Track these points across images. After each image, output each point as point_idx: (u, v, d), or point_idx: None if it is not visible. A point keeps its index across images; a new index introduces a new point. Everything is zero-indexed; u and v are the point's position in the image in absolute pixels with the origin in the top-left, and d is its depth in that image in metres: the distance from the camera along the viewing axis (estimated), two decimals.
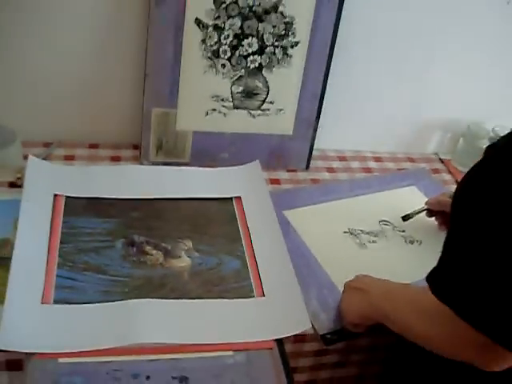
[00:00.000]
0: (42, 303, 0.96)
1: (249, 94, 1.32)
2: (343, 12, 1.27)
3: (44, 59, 1.26)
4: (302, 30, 1.28)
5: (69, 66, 1.28)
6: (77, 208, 1.14)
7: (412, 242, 1.24)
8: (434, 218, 1.26)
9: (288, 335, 0.98)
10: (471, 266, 0.71)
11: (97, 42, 1.26)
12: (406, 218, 1.28)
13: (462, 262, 0.73)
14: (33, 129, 1.30)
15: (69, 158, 1.31)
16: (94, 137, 1.37)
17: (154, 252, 1.09)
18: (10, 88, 1.28)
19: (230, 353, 0.95)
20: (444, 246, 0.77)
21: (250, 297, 1.04)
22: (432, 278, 0.77)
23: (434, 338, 0.79)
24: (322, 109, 1.37)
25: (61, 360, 0.89)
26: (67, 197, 1.15)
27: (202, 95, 1.30)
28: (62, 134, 1.34)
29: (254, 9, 1.23)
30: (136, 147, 1.37)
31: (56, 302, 0.97)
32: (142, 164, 1.33)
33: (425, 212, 1.27)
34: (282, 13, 1.25)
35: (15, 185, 1.20)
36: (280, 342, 0.97)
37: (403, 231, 1.26)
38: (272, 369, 0.94)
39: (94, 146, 1.37)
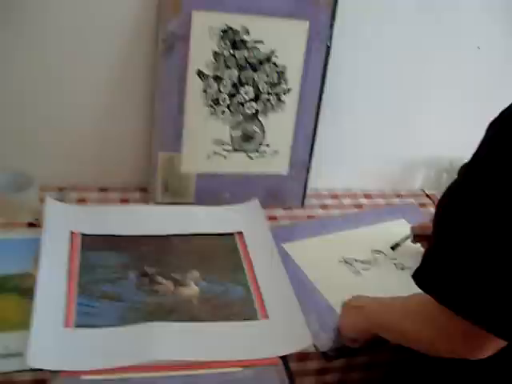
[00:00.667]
0: (65, 327, 1.04)
1: (247, 137, 1.42)
2: (330, 61, 1.39)
3: (58, 111, 1.37)
4: (294, 79, 1.39)
5: (81, 116, 1.39)
6: (92, 244, 1.23)
7: (403, 269, 1.33)
8: (419, 245, 1.35)
9: (292, 352, 1.06)
10: (451, 258, 0.78)
11: (107, 93, 1.37)
12: (394, 246, 1.38)
13: (443, 256, 0.80)
14: (48, 174, 1.39)
15: (81, 201, 1.40)
16: (104, 181, 1.47)
17: (165, 282, 1.18)
18: (28, 138, 1.38)
19: (239, 369, 1.02)
20: (427, 248, 0.86)
21: (255, 319, 1.13)
22: (416, 274, 0.85)
23: (424, 336, 0.86)
24: (314, 151, 1.48)
25: (83, 377, 0.96)
26: (83, 234, 1.25)
27: (205, 140, 1.40)
28: (74, 179, 1.44)
29: (249, 60, 1.35)
30: (143, 190, 1.46)
31: (77, 326, 1.05)
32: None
33: (411, 240, 1.36)
34: (274, 63, 1.37)
35: (33, 225, 1.29)
36: (285, 358, 1.05)
37: (395, 259, 1.36)
38: (278, 382, 1.01)
39: (103, 190, 1.46)
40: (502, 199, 0.73)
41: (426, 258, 0.84)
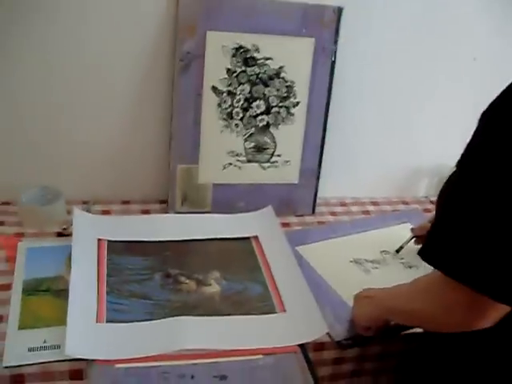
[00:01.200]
0: (97, 322, 1.12)
1: (259, 148, 1.51)
2: (335, 74, 1.49)
3: (82, 130, 1.46)
4: (302, 92, 1.49)
5: (103, 133, 1.48)
6: (118, 249, 1.32)
7: (410, 267, 1.40)
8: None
9: (310, 340, 1.14)
10: (454, 233, 0.84)
11: (128, 110, 1.46)
12: (399, 249, 1.46)
13: (447, 232, 0.87)
14: (73, 188, 1.48)
15: (105, 213, 1.48)
16: (126, 194, 1.56)
17: (188, 281, 1.26)
18: (55, 155, 1.47)
19: (260, 356, 1.10)
20: (431, 226, 0.94)
21: (274, 313, 1.21)
22: (423, 250, 0.92)
23: (430, 311, 0.93)
24: (323, 161, 1.57)
25: (117, 365, 1.04)
26: (109, 240, 1.33)
27: (220, 151, 1.49)
28: (97, 193, 1.53)
29: (260, 76, 1.44)
30: (162, 202, 1.55)
31: (108, 321, 1.13)
32: None
33: (413, 241, 1.44)
34: (283, 78, 1.46)
35: (62, 234, 1.39)
36: (303, 347, 1.12)
37: (402, 258, 1.44)
38: (298, 367, 1.08)
39: (125, 203, 1.55)
40: (499, 178, 0.80)
41: (430, 236, 0.91)
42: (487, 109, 0.85)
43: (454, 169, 0.90)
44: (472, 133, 0.87)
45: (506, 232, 0.80)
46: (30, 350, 1.05)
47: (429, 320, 0.97)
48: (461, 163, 0.88)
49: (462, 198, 0.85)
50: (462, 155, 0.88)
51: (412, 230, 1.44)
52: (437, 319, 0.93)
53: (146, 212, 1.52)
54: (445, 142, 1.66)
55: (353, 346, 1.18)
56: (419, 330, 1.15)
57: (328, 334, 1.17)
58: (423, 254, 0.90)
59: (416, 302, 0.97)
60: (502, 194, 0.80)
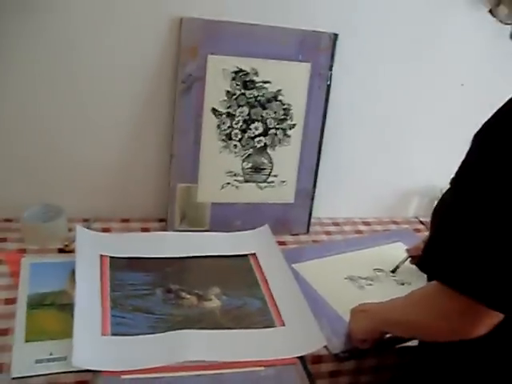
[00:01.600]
0: (102, 335, 1.15)
1: (256, 169, 1.56)
2: (331, 98, 1.54)
3: (83, 149, 1.50)
4: (298, 115, 1.54)
5: (104, 153, 1.52)
6: (120, 265, 1.35)
7: (403, 284, 1.45)
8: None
9: (309, 352, 1.17)
10: (450, 245, 0.89)
11: (129, 131, 1.51)
12: (394, 269, 1.51)
13: (443, 244, 0.91)
14: (74, 206, 1.51)
15: (105, 230, 1.51)
16: (126, 212, 1.59)
17: (189, 296, 1.29)
18: (57, 174, 1.51)
19: (261, 368, 1.13)
20: (428, 239, 0.98)
21: (273, 327, 1.24)
22: (420, 262, 0.96)
23: (425, 321, 0.97)
24: (317, 182, 1.62)
25: (123, 376, 1.06)
26: (111, 257, 1.37)
27: (218, 171, 1.53)
28: (98, 211, 1.56)
29: (258, 98, 1.50)
30: (161, 220, 1.59)
31: (113, 334, 1.16)
32: None
33: (409, 260, 1.49)
34: (281, 101, 1.51)
35: (63, 250, 1.42)
36: (303, 359, 1.16)
37: (394, 276, 1.48)
38: (298, 379, 1.11)
39: (125, 221, 1.59)
40: (492, 193, 0.85)
41: (427, 248, 0.96)
42: (480, 129, 0.90)
43: (446, 188, 0.96)
44: (466, 152, 0.92)
45: (499, 243, 0.84)
46: (38, 361, 1.08)
47: (425, 329, 1.00)
48: (456, 180, 0.93)
49: (457, 213, 0.89)
50: (457, 173, 0.93)
51: (407, 250, 1.49)
52: (433, 328, 0.97)
53: (146, 230, 1.56)
54: (434, 164, 1.72)
55: (349, 359, 1.22)
56: (413, 343, 1.20)
57: (325, 347, 1.20)
58: (421, 266, 0.95)
59: (412, 312, 1.01)
60: (495, 208, 0.85)
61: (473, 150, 0.90)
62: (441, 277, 0.91)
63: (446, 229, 0.92)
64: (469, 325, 0.90)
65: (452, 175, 0.95)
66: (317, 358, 1.19)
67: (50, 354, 1.10)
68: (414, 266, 1.48)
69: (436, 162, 1.71)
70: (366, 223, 1.77)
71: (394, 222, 1.81)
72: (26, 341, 1.12)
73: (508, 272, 0.84)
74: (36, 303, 1.22)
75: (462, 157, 0.92)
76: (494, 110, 0.89)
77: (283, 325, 1.25)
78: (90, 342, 1.12)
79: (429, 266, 0.95)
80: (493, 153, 0.86)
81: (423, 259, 0.96)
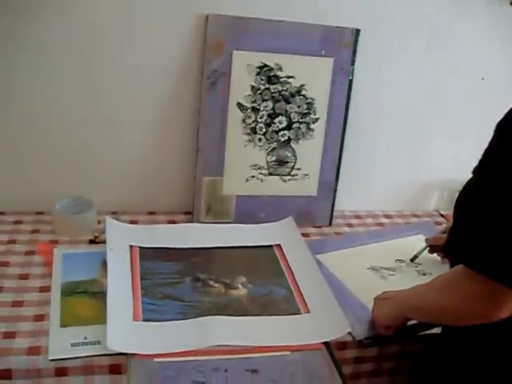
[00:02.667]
0: (134, 320, 1.19)
1: (280, 162, 1.59)
2: (353, 92, 1.57)
3: (112, 144, 1.55)
4: (321, 109, 1.57)
5: (133, 148, 1.57)
6: (149, 255, 1.39)
7: (424, 274, 1.47)
8: (435, 254, 1.51)
9: (334, 337, 1.21)
10: (475, 229, 0.92)
11: (157, 127, 1.55)
12: (413, 258, 1.53)
13: (468, 229, 0.94)
14: (103, 200, 1.55)
15: (133, 223, 1.55)
16: (152, 205, 1.64)
17: (217, 285, 1.33)
18: (86, 168, 1.56)
19: (288, 352, 1.17)
20: (453, 224, 1.01)
21: (299, 314, 1.28)
22: (446, 246, 1.00)
23: (448, 304, 0.99)
24: (340, 176, 1.65)
25: (155, 359, 1.10)
26: (140, 247, 1.41)
27: (243, 165, 1.57)
28: (126, 204, 1.60)
29: (282, 93, 1.53)
30: (187, 213, 1.63)
31: (144, 320, 1.20)
32: None
33: (427, 250, 1.52)
34: (304, 95, 1.55)
35: (94, 241, 1.46)
36: (327, 344, 1.20)
37: (416, 266, 1.51)
38: (324, 363, 1.14)
39: (152, 213, 1.63)
40: None
41: (452, 233, 0.99)
42: (504, 117, 0.92)
43: (467, 181, 0.99)
44: (489, 141, 0.94)
45: None
46: (73, 345, 1.12)
47: (448, 313, 1.02)
48: (479, 166, 0.96)
49: (482, 198, 0.92)
50: (480, 160, 0.96)
51: (426, 240, 1.52)
52: (456, 311, 0.99)
53: (172, 222, 1.59)
54: (454, 157, 1.74)
55: (373, 345, 1.25)
56: (436, 330, 1.22)
57: (350, 333, 1.23)
58: (447, 249, 0.98)
59: (435, 297, 1.04)
60: None
61: (496, 138, 0.93)
62: (465, 260, 0.94)
63: (470, 213, 0.94)
64: (492, 307, 0.92)
65: (474, 165, 0.98)
66: (341, 345, 1.22)
67: (85, 338, 1.14)
68: (432, 256, 1.51)
69: (456, 155, 1.73)
70: (388, 216, 1.80)
71: (415, 215, 1.83)
72: (61, 326, 1.17)
73: None
74: (69, 291, 1.27)
75: (483, 149, 0.95)
76: None
77: (308, 312, 1.28)
78: (123, 326, 1.16)
79: (454, 250, 0.98)
80: None
81: (449, 243, 0.98)
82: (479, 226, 0.92)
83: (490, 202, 0.90)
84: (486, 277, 0.90)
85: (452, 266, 1.05)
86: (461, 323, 1.03)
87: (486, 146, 0.95)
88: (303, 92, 1.54)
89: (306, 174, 1.62)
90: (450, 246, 0.99)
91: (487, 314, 0.93)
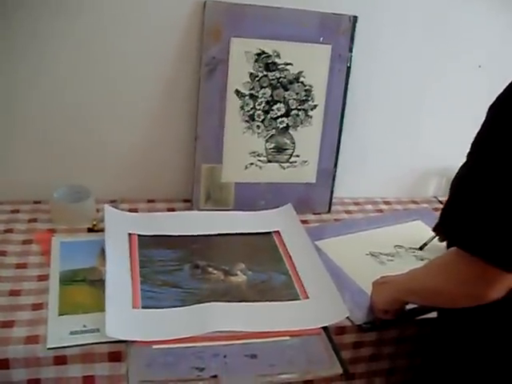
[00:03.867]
0: (133, 308, 1.19)
1: (279, 149, 1.59)
2: (351, 79, 1.57)
3: (110, 132, 1.55)
4: (319, 96, 1.57)
5: (131, 135, 1.56)
6: (148, 243, 1.39)
7: (423, 260, 1.48)
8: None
9: (332, 322, 1.21)
10: (467, 211, 0.92)
11: (154, 113, 1.55)
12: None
13: (460, 210, 0.94)
14: (101, 188, 1.55)
15: (132, 211, 1.55)
16: (151, 193, 1.64)
17: (216, 272, 1.33)
18: (84, 156, 1.56)
19: (287, 337, 1.17)
20: (445, 205, 1.00)
21: (298, 299, 1.28)
22: (437, 226, 0.99)
23: (444, 286, 0.99)
24: (338, 163, 1.65)
25: (155, 346, 1.11)
26: (139, 235, 1.41)
27: (242, 152, 1.57)
28: (124, 192, 1.60)
29: (280, 80, 1.53)
30: (186, 201, 1.63)
31: (143, 307, 1.20)
32: None
33: (437, 238, 1.52)
34: (302, 82, 1.55)
35: (92, 230, 1.46)
36: (326, 329, 1.20)
37: (414, 252, 1.51)
38: (323, 348, 1.15)
39: (151, 201, 1.63)
40: (508, 161, 0.88)
41: (444, 215, 0.98)
42: (495, 101, 0.93)
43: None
44: (481, 124, 0.94)
45: None
46: (72, 333, 1.12)
47: (443, 295, 1.02)
48: (471, 151, 0.96)
49: (474, 180, 0.92)
50: (472, 143, 0.96)
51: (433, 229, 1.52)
52: (451, 294, 0.99)
53: (171, 210, 1.60)
54: (452, 144, 1.73)
55: (372, 330, 1.25)
56: (433, 315, 1.22)
57: (348, 318, 1.24)
58: (437, 230, 0.98)
59: (431, 280, 1.05)
60: (508, 176, 0.88)
61: (488, 121, 0.93)
62: (458, 241, 0.94)
63: (463, 195, 0.94)
64: (486, 288, 0.92)
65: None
66: (340, 329, 1.23)
67: (84, 326, 1.14)
68: (436, 244, 1.51)
69: (454, 142, 1.71)
70: (387, 202, 1.80)
71: (414, 202, 1.83)
72: (60, 314, 1.17)
73: None
74: (68, 279, 1.27)
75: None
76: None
77: (307, 297, 1.29)
78: (122, 314, 1.16)
79: (446, 231, 0.98)
80: (507, 122, 0.89)
81: (440, 224, 0.99)
82: (471, 208, 0.92)
83: (482, 184, 0.90)
84: (478, 258, 0.90)
85: (448, 247, 1.05)
86: (456, 305, 1.03)
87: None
88: (301, 79, 1.54)
89: (305, 161, 1.62)
90: (442, 228, 0.99)
91: (480, 295, 0.93)
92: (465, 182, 0.95)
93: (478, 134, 0.95)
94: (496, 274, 0.90)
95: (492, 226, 0.89)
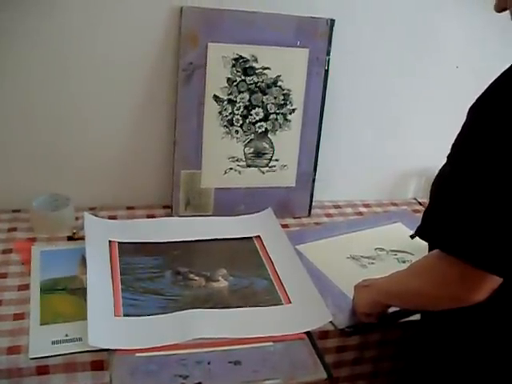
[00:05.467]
0: (115, 316, 1.19)
1: (258, 154, 1.59)
2: (329, 82, 1.57)
3: (88, 138, 1.53)
4: (298, 100, 1.57)
5: (108, 142, 1.55)
6: (129, 250, 1.39)
7: (404, 262, 1.48)
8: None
9: (316, 327, 1.21)
10: (448, 214, 0.92)
11: (132, 120, 1.54)
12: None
13: (441, 213, 0.94)
14: (80, 195, 1.54)
15: (111, 218, 1.54)
16: (131, 200, 1.63)
17: (197, 278, 1.33)
18: (62, 164, 1.55)
19: (271, 343, 1.17)
20: (426, 209, 1.00)
21: (280, 305, 1.28)
22: (419, 230, 0.99)
23: (427, 289, 1.00)
24: (318, 166, 1.65)
25: (137, 354, 1.10)
26: (119, 242, 1.40)
27: (221, 157, 1.56)
28: (104, 199, 1.60)
29: (258, 84, 1.53)
30: (166, 207, 1.62)
31: (125, 315, 1.19)
32: None
33: None
34: (280, 86, 1.55)
35: (72, 238, 1.45)
36: (310, 334, 1.20)
37: (395, 254, 1.52)
38: (307, 353, 1.15)
39: (130, 208, 1.62)
40: (489, 163, 0.88)
41: (426, 217, 0.99)
42: (475, 102, 0.93)
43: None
44: (462, 125, 0.94)
45: (497, 210, 0.87)
46: (54, 342, 1.11)
47: (426, 298, 1.03)
48: (452, 152, 0.96)
49: (455, 182, 0.92)
50: (453, 144, 0.96)
51: None
52: (434, 296, 1.00)
53: (151, 216, 1.59)
54: (431, 146, 1.75)
55: (355, 334, 1.25)
56: (416, 317, 1.23)
57: (331, 322, 1.24)
58: (420, 234, 0.98)
59: (413, 282, 1.05)
60: (492, 175, 0.88)
61: (468, 122, 0.93)
62: (440, 244, 0.94)
63: (444, 198, 0.94)
64: (468, 290, 0.92)
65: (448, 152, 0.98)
66: (323, 334, 1.23)
67: (66, 336, 1.13)
68: (417, 245, 1.51)
69: (433, 143, 1.73)
70: (366, 205, 1.81)
71: (394, 204, 1.84)
72: (42, 324, 1.16)
73: (506, 237, 0.88)
74: (49, 288, 1.26)
75: (453, 138, 0.95)
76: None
77: (290, 302, 1.29)
78: (104, 322, 1.15)
79: (428, 235, 0.98)
80: (487, 123, 0.89)
81: (422, 227, 0.99)
82: (452, 209, 0.92)
83: (463, 186, 0.91)
84: (460, 260, 0.90)
85: (430, 250, 1.06)
86: (438, 307, 1.03)
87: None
88: (279, 83, 1.54)
89: (284, 165, 1.62)
90: (424, 230, 0.99)
91: (463, 297, 0.94)
92: (446, 184, 0.95)
93: (459, 135, 0.95)
94: (478, 276, 0.90)
95: (474, 227, 0.89)
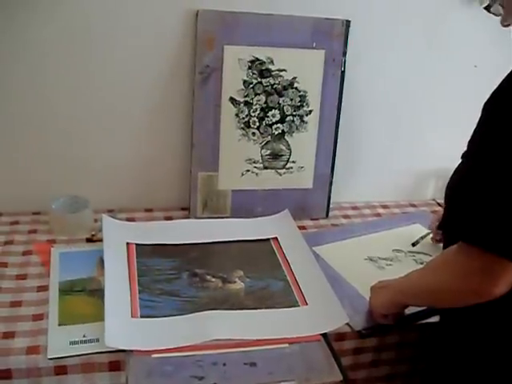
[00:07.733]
0: (132, 317, 1.19)
1: (275, 155, 1.59)
2: (345, 83, 1.57)
3: (106, 142, 1.55)
4: (314, 101, 1.57)
5: (127, 145, 1.57)
6: (146, 252, 1.39)
7: (422, 263, 1.47)
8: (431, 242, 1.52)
9: (332, 329, 1.21)
10: (470, 206, 0.91)
11: (150, 123, 1.55)
12: (415, 243, 1.54)
13: (463, 206, 0.93)
14: (99, 198, 1.55)
15: (129, 220, 1.55)
16: (149, 202, 1.64)
17: (214, 279, 1.33)
18: (81, 167, 1.56)
19: (287, 345, 1.17)
20: (447, 204, 1.01)
21: (296, 306, 1.28)
22: (442, 224, 1.00)
23: (447, 285, 0.98)
24: (335, 167, 1.65)
25: (154, 355, 1.11)
26: (137, 244, 1.41)
27: (238, 159, 1.57)
28: (122, 202, 1.61)
29: (274, 86, 1.53)
30: (184, 209, 1.63)
31: (142, 317, 1.20)
32: None
33: (430, 238, 1.52)
34: (297, 88, 1.55)
35: (90, 240, 1.46)
36: (325, 336, 1.20)
37: (414, 255, 1.51)
38: (322, 355, 1.15)
39: (148, 210, 1.63)
40: (506, 156, 0.88)
41: (448, 211, 0.99)
42: (489, 99, 0.93)
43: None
44: (477, 122, 0.95)
45: None
46: (72, 343, 1.12)
47: (445, 294, 1.01)
48: (469, 149, 0.96)
49: (476, 175, 0.92)
50: (469, 142, 0.96)
51: (430, 227, 1.54)
52: (454, 291, 0.98)
53: (169, 218, 1.60)
54: (449, 146, 1.73)
55: (372, 335, 1.25)
56: (434, 319, 1.23)
57: (348, 324, 1.24)
58: (443, 227, 0.98)
59: (432, 278, 1.04)
60: (509, 170, 0.88)
61: (484, 119, 0.94)
62: (463, 236, 0.93)
63: (465, 191, 0.94)
64: (490, 283, 0.91)
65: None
66: (340, 336, 1.23)
67: (83, 336, 1.14)
68: (434, 246, 1.52)
69: (451, 144, 1.71)
70: (385, 206, 1.80)
71: (412, 205, 1.84)
72: (60, 324, 1.17)
73: None
74: (67, 289, 1.27)
75: None
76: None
77: (306, 304, 1.28)
78: (121, 324, 1.16)
79: (450, 227, 0.98)
80: (504, 116, 0.89)
81: (445, 221, 0.99)
82: (475, 203, 0.92)
83: (485, 179, 0.91)
84: (481, 249, 0.90)
85: (445, 247, 1.05)
86: (458, 303, 1.02)
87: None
88: (295, 85, 1.55)
89: (301, 167, 1.62)
90: (446, 224, 1.00)
91: (483, 290, 0.93)
92: (465, 180, 0.95)
93: (475, 131, 0.95)
94: (500, 265, 0.90)
95: (496, 218, 0.89)
